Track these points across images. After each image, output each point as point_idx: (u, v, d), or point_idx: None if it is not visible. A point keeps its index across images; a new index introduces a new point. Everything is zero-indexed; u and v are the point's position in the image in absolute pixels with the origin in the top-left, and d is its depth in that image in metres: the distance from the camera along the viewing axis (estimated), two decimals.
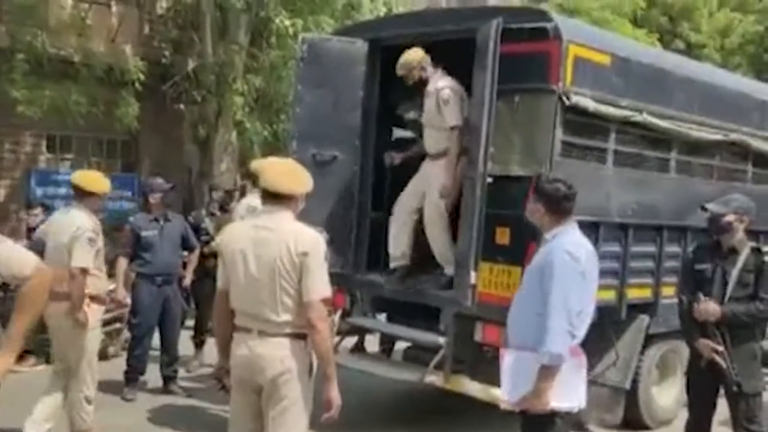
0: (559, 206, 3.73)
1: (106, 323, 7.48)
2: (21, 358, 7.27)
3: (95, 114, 10.19)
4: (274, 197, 3.51)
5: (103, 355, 7.48)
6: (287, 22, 10.37)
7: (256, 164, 5.73)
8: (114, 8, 11.57)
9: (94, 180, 5.16)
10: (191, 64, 11.16)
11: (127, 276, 6.65)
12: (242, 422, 3.59)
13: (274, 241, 3.41)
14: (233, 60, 10.99)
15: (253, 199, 5.54)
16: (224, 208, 7.97)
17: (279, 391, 3.43)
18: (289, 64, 10.33)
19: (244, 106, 11.09)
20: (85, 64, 10.09)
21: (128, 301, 6.78)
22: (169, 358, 6.72)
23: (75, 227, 4.88)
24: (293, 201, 3.53)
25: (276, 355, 3.42)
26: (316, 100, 6.08)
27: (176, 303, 6.75)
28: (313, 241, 3.46)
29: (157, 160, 11.98)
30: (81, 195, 5.05)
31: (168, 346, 6.71)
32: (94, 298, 5.00)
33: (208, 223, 7.77)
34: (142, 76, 10.29)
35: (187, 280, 6.97)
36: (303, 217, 3.61)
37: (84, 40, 10.44)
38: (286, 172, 3.60)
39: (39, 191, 10.72)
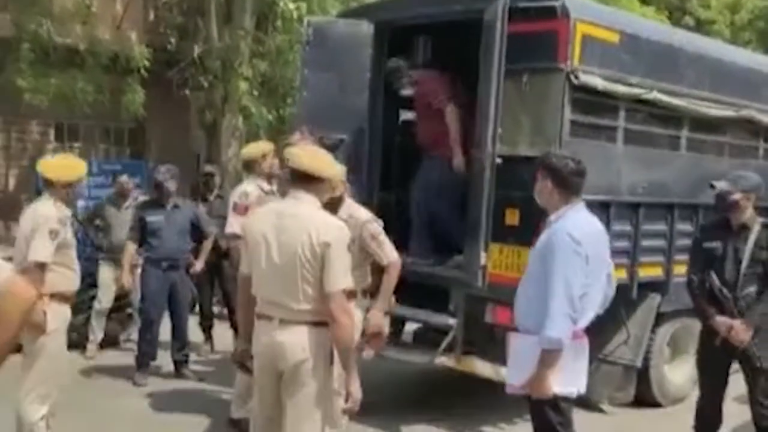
0: (568, 182, 3.65)
1: (115, 309, 7.54)
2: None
3: (102, 102, 10.22)
4: (303, 179, 3.46)
5: (114, 341, 7.57)
6: (292, 6, 10.34)
7: (251, 150, 5.76)
8: None
9: (58, 167, 4.65)
10: (197, 50, 11.13)
11: (133, 261, 6.68)
12: (264, 408, 3.57)
13: (297, 228, 3.37)
14: (239, 45, 10.96)
15: (248, 184, 5.54)
16: (208, 190, 7.76)
17: (299, 378, 3.41)
18: (295, 48, 10.30)
19: (250, 91, 11.08)
20: (90, 51, 10.09)
21: (134, 286, 6.81)
22: (179, 344, 6.73)
23: (37, 217, 4.42)
24: (322, 186, 3.50)
25: (297, 342, 3.39)
26: (322, 84, 6.06)
27: (184, 289, 6.75)
28: (336, 231, 3.41)
29: (165, 146, 11.99)
30: (47, 184, 4.59)
31: (177, 332, 6.72)
32: (55, 296, 4.46)
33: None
34: (147, 63, 10.30)
35: (198, 267, 6.87)
36: None
37: (89, 27, 10.42)
38: (316, 155, 3.58)
39: None
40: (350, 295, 3.49)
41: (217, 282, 7.39)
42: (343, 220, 3.96)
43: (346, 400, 3.44)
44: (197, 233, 6.84)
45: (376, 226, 4.58)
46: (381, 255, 4.54)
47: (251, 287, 3.56)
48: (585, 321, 3.64)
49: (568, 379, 3.60)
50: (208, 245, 6.89)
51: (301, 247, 3.34)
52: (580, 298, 3.51)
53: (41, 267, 4.35)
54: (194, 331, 7.28)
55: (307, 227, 3.36)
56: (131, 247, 6.58)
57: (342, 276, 3.39)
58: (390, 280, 4.57)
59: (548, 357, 3.50)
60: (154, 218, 6.54)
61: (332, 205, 4.11)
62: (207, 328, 7.57)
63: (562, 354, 3.51)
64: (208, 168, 8.18)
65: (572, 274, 3.48)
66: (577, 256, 3.50)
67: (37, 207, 4.50)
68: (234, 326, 7.47)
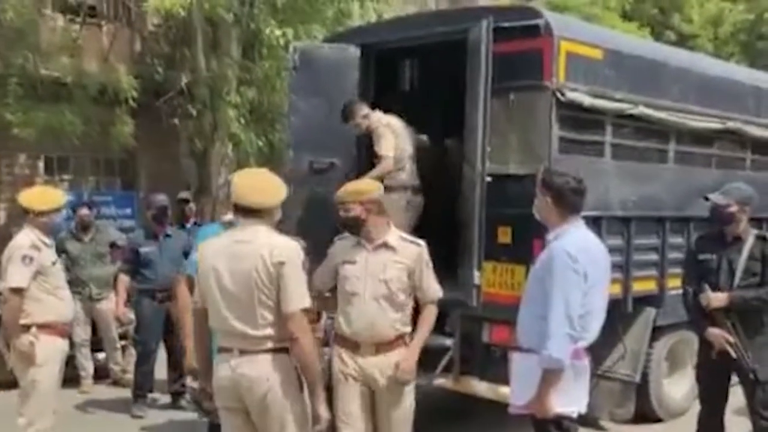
0: (567, 200, 3.64)
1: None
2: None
3: (91, 134, 10.18)
4: (246, 212, 3.42)
5: (106, 374, 7.45)
6: (278, 32, 10.37)
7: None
8: (105, 27, 11.56)
9: (33, 197, 4.71)
10: (184, 79, 11.15)
11: (128, 293, 6.63)
12: None
13: (249, 253, 3.32)
14: (226, 73, 10.99)
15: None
16: (184, 217, 7.72)
17: (269, 411, 3.35)
18: (282, 74, 10.33)
19: (238, 119, 11.09)
20: (78, 84, 10.08)
21: (130, 317, 6.75)
22: (176, 375, 6.64)
23: (11, 246, 4.48)
24: (267, 214, 3.44)
25: (260, 374, 3.33)
26: (310, 108, 6.06)
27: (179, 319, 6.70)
28: (289, 250, 3.37)
29: (156, 176, 11.95)
30: (25, 213, 4.67)
31: (174, 362, 6.64)
32: (43, 327, 4.45)
33: None
34: (135, 94, 10.29)
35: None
36: (301, 226, 3.58)
37: (76, 60, 10.43)
38: (255, 186, 3.47)
39: None
40: (307, 313, 3.42)
41: None
42: (392, 246, 3.95)
43: (315, 423, 3.41)
44: None
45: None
46: (431, 287, 4.08)
47: (205, 321, 3.50)
48: (589, 339, 3.63)
49: (569, 398, 3.59)
50: None
51: (256, 270, 3.29)
52: (581, 317, 3.50)
53: (17, 293, 4.36)
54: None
55: (259, 250, 3.31)
56: (123, 279, 6.56)
57: (300, 295, 3.35)
58: (432, 319, 4.11)
59: (549, 376, 3.49)
60: (147, 249, 6.52)
61: (356, 226, 4.02)
62: None
63: (563, 373, 3.50)
64: (183, 194, 8.05)
65: (570, 293, 3.47)
66: (575, 275, 3.49)
67: (15, 238, 4.54)
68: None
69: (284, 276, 3.30)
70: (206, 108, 11.15)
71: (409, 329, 4.06)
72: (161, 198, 6.76)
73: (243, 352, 3.34)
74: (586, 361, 3.68)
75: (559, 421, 3.62)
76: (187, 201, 7.74)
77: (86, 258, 7.08)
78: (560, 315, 3.45)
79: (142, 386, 6.55)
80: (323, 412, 3.42)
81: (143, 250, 6.52)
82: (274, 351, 3.36)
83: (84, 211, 7.34)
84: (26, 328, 4.42)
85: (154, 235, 6.59)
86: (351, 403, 3.97)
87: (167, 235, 6.63)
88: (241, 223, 3.45)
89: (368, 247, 4.00)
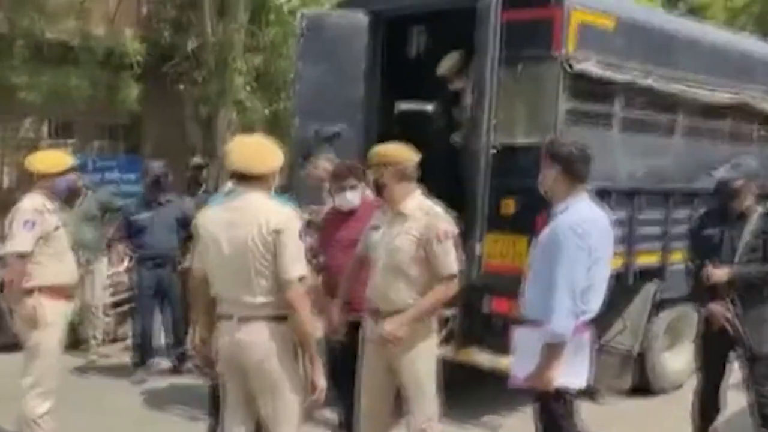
0: (573, 169, 3.60)
1: (115, 305, 7.49)
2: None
3: (96, 98, 10.17)
4: (243, 178, 3.41)
5: (114, 338, 7.52)
6: None
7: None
8: None
9: (40, 160, 4.69)
10: (191, 45, 11.12)
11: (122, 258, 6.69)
12: (236, 408, 3.51)
13: (246, 221, 3.31)
14: (233, 39, 10.94)
15: None
16: (196, 183, 7.68)
17: (265, 377, 3.37)
18: (289, 41, 10.27)
19: (245, 85, 11.05)
20: (84, 47, 10.05)
21: (123, 282, 6.82)
22: (174, 340, 6.66)
23: (15, 210, 4.47)
24: (264, 180, 3.42)
25: (257, 340, 3.34)
26: (317, 76, 6.04)
27: (173, 285, 6.59)
28: (286, 218, 3.35)
29: (161, 141, 11.95)
30: (32, 177, 4.66)
31: (171, 329, 6.66)
32: (45, 290, 4.45)
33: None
34: (141, 58, 10.25)
35: (187, 264, 6.60)
36: (307, 194, 3.55)
37: (82, 23, 10.39)
38: (253, 152, 3.45)
39: None
40: (304, 281, 3.39)
41: None
42: (410, 214, 3.86)
43: (312, 391, 3.43)
44: (186, 230, 6.49)
45: (452, 228, 3.92)
46: (442, 262, 3.83)
47: (203, 286, 3.50)
48: (591, 312, 3.62)
49: (571, 372, 3.60)
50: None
51: (252, 238, 3.28)
52: (584, 291, 3.50)
53: (20, 257, 4.36)
54: None
55: (256, 217, 3.30)
56: (119, 247, 6.66)
57: (297, 262, 3.33)
58: (439, 295, 3.88)
59: (551, 350, 3.50)
60: (140, 216, 6.51)
61: (379, 189, 3.97)
62: None
63: (564, 347, 3.51)
64: (197, 161, 8.01)
65: (574, 269, 3.46)
66: (579, 251, 3.47)
67: (22, 200, 4.52)
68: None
69: (281, 244, 3.28)
70: (212, 74, 11.11)
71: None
72: (157, 165, 6.68)
73: (241, 319, 3.36)
74: (587, 336, 3.69)
75: (560, 395, 3.64)
76: (201, 167, 7.72)
77: (76, 224, 6.91)
78: (563, 291, 3.45)
79: (139, 353, 6.55)
80: (320, 381, 3.43)
81: (135, 218, 6.52)
82: (272, 318, 3.36)
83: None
84: (30, 291, 4.44)
85: (149, 203, 6.56)
86: (369, 371, 4.00)
87: (160, 203, 6.56)
88: (238, 190, 3.44)
89: (389, 214, 3.96)
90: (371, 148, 4.16)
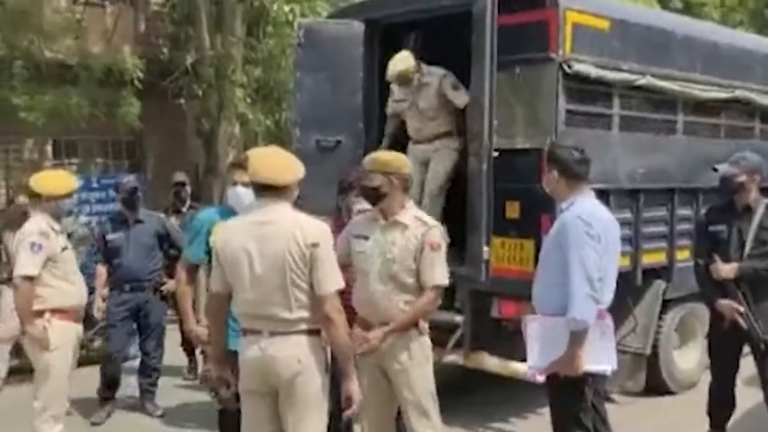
0: (573, 171, 3.69)
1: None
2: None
3: (98, 116, 10.18)
4: (268, 190, 3.32)
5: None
6: (286, 8, 10.31)
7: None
8: (108, 8, 11.51)
9: (44, 182, 4.67)
10: (190, 59, 11.12)
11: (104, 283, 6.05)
12: (259, 427, 3.43)
13: (279, 234, 3.24)
14: (231, 52, 10.94)
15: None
16: (180, 201, 7.09)
17: (297, 392, 3.30)
18: (288, 52, 10.27)
19: (245, 98, 11.06)
20: (83, 66, 10.04)
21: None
22: (147, 370, 6.14)
23: (20, 233, 4.47)
24: (288, 190, 3.35)
25: (291, 354, 3.28)
26: (316, 86, 6.04)
27: (154, 311, 6.07)
28: (321, 231, 3.31)
29: (163, 157, 11.95)
30: (36, 198, 4.67)
31: (145, 358, 6.13)
32: (55, 312, 4.45)
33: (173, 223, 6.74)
34: (141, 74, 10.26)
35: (170, 286, 6.02)
36: (308, 204, 3.51)
37: (80, 42, 10.39)
38: (276, 162, 3.38)
39: None
40: (340, 294, 3.36)
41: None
42: (405, 224, 3.85)
43: (347, 404, 3.38)
44: (169, 249, 6.21)
45: (443, 240, 3.95)
46: (430, 272, 3.83)
47: (224, 306, 3.45)
48: (607, 300, 3.66)
49: (599, 357, 3.63)
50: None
51: (288, 252, 3.22)
52: (598, 280, 3.52)
53: (28, 280, 4.36)
54: (177, 354, 6.90)
55: (290, 231, 3.24)
56: (100, 270, 6.02)
57: (334, 276, 3.30)
58: (421, 306, 3.86)
59: (576, 337, 3.52)
60: (114, 236, 5.98)
61: (375, 197, 3.90)
62: (190, 351, 6.92)
63: (590, 334, 3.53)
64: (179, 177, 7.35)
65: (587, 256, 3.50)
66: (590, 238, 3.53)
67: (25, 225, 4.53)
68: (185, 348, 6.85)
69: (318, 258, 3.24)
70: (212, 88, 11.13)
71: None
72: (129, 180, 6.24)
73: (273, 334, 3.29)
74: (609, 321, 3.72)
75: (581, 385, 3.64)
76: (183, 184, 7.17)
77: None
78: (580, 277, 3.48)
79: (106, 386, 5.98)
80: (356, 394, 3.38)
81: (109, 237, 5.99)
82: (307, 332, 3.32)
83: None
84: (39, 313, 4.43)
85: (124, 221, 6.03)
86: (371, 384, 3.93)
87: (137, 221, 6.06)
88: (262, 203, 3.36)
89: (382, 223, 3.90)
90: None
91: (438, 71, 5.76)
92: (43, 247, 4.41)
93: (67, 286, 4.54)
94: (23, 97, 9.53)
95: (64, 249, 4.58)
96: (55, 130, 10.69)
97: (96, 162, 11.86)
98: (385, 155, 4.06)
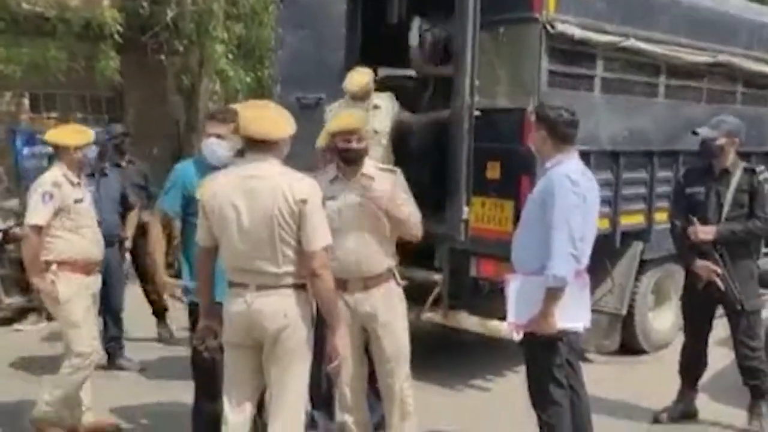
0: (561, 132, 3.71)
1: None
2: (22, 315, 7.23)
3: (77, 70, 10.04)
4: (258, 144, 3.31)
5: None
6: None
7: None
8: None
9: (66, 134, 4.64)
10: (170, 14, 10.94)
11: None
12: (241, 380, 3.45)
13: (268, 190, 3.22)
14: (212, 7, 10.79)
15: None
16: (120, 154, 6.65)
17: (282, 345, 3.32)
18: (270, 8, 10.16)
19: (226, 54, 10.94)
20: (61, 19, 9.87)
21: None
22: (112, 333, 6.00)
23: (35, 183, 4.46)
24: (278, 146, 3.32)
25: (278, 308, 3.29)
26: (298, 42, 5.98)
27: (115, 270, 5.87)
28: (310, 188, 3.29)
29: (143, 113, 11.84)
30: (54, 151, 4.66)
31: (111, 319, 5.98)
32: (64, 264, 4.43)
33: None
34: (120, 28, 10.10)
35: (128, 243, 6.13)
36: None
37: None
38: (268, 117, 3.34)
39: (26, 150, 10.60)
40: (328, 250, 3.38)
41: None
42: (371, 176, 3.91)
43: (332, 358, 3.41)
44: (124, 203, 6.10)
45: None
46: (410, 210, 3.99)
47: (211, 260, 3.46)
48: (585, 260, 3.71)
49: (574, 314, 3.69)
50: (133, 217, 6.18)
51: (277, 207, 3.22)
52: (579, 239, 3.57)
53: (36, 230, 4.35)
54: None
55: (279, 186, 3.23)
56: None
57: (322, 232, 3.29)
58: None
59: (553, 294, 3.57)
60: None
61: (358, 158, 3.93)
62: (162, 312, 6.78)
63: (566, 291, 3.58)
64: (119, 128, 6.90)
65: (572, 215, 3.54)
66: (575, 197, 3.57)
67: (43, 174, 4.52)
68: (152, 305, 6.69)
69: (306, 213, 3.23)
70: (193, 43, 11.00)
71: (395, 262, 4.05)
72: (100, 132, 6.03)
73: (260, 287, 3.30)
74: (587, 279, 3.77)
75: (555, 341, 3.69)
76: (126, 135, 6.80)
77: None
78: (563, 235, 3.52)
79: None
80: (341, 348, 3.41)
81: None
82: (293, 287, 3.32)
83: None
84: (47, 265, 4.41)
85: (91, 174, 5.59)
86: (352, 343, 3.96)
87: (104, 174, 5.86)
88: (252, 157, 3.35)
89: (346, 180, 3.94)
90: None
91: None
92: (54, 197, 4.38)
93: (77, 239, 4.50)
94: (0, 50, 9.37)
95: (77, 201, 4.53)
96: (33, 83, 10.56)
97: (75, 116, 11.71)
98: (352, 118, 4.04)
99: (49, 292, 4.41)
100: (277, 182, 3.25)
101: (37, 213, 4.36)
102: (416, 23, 5.77)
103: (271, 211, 3.23)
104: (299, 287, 3.35)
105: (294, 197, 3.23)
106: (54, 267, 4.42)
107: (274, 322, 3.30)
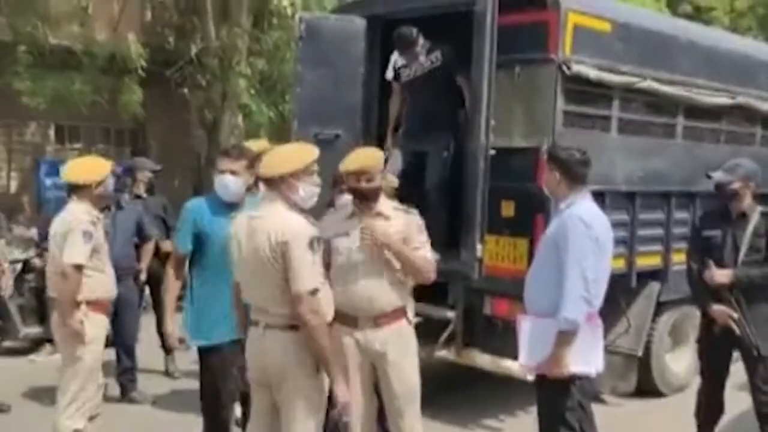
0: (574, 172, 3.74)
1: None
2: (38, 346, 7.22)
3: (101, 103, 10.21)
4: (265, 183, 3.40)
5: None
6: (287, 2, 10.32)
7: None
8: None
9: (83, 169, 4.50)
10: (194, 49, 11.14)
11: None
12: (259, 418, 3.51)
13: (261, 230, 3.27)
14: (236, 43, 10.97)
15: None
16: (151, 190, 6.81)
17: (286, 385, 3.34)
18: (292, 44, 10.26)
19: (248, 89, 11.08)
20: (87, 53, 10.08)
21: None
22: (125, 365, 6.01)
23: (70, 220, 4.30)
24: (283, 184, 3.32)
25: (278, 347, 3.32)
26: (316, 79, 6.05)
27: (130, 302, 5.92)
28: (294, 229, 3.25)
29: (166, 146, 12.00)
30: (73, 188, 4.45)
31: (124, 352, 6.00)
32: (91, 305, 4.34)
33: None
34: (144, 63, 10.27)
35: (143, 276, 6.17)
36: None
37: (86, 29, 10.43)
38: (275, 156, 3.40)
39: (48, 181, 10.78)
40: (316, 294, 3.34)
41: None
42: (387, 215, 3.88)
43: (334, 406, 3.42)
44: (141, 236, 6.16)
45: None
46: (425, 252, 3.95)
47: (239, 294, 3.53)
48: (598, 303, 3.69)
49: (586, 358, 3.67)
50: (148, 250, 6.24)
51: (263, 249, 3.24)
52: (593, 282, 3.56)
53: (78, 269, 4.24)
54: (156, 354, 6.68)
55: (268, 228, 3.25)
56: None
57: (307, 276, 3.24)
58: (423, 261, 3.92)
59: (565, 337, 3.56)
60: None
61: (371, 197, 3.89)
62: (169, 349, 6.54)
63: (578, 335, 3.57)
64: (150, 164, 6.98)
65: (585, 256, 3.55)
66: (588, 240, 3.58)
67: (68, 212, 4.37)
68: (162, 338, 6.37)
69: (288, 256, 3.21)
70: (216, 78, 11.16)
71: (409, 302, 4.01)
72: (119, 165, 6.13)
73: (267, 327, 3.34)
74: (599, 322, 3.75)
75: (568, 384, 3.66)
76: (158, 171, 6.92)
77: None
78: (576, 278, 3.52)
79: None
80: (341, 394, 3.43)
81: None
82: (293, 328, 3.31)
83: None
84: (77, 304, 4.31)
85: (105, 208, 5.53)
86: (357, 387, 3.93)
87: (120, 207, 5.89)
88: (265, 197, 3.43)
89: (362, 218, 3.90)
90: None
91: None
92: (93, 236, 4.30)
93: (103, 278, 4.44)
94: (26, 82, 9.56)
95: (103, 240, 4.50)
96: (58, 115, 10.75)
97: (98, 148, 11.88)
98: (370, 155, 4.02)
99: (78, 331, 4.28)
100: (270, 223, 3.27)
101: (78, 252, 4.23)
102: (393, 58, 5.96)
103: (261, 252, 3.26)
104: (296, 328, 3.33)
105: (276, 239, 3.23)
106: (84, 307, 4.31)
107: (275, 362, 3.33)
